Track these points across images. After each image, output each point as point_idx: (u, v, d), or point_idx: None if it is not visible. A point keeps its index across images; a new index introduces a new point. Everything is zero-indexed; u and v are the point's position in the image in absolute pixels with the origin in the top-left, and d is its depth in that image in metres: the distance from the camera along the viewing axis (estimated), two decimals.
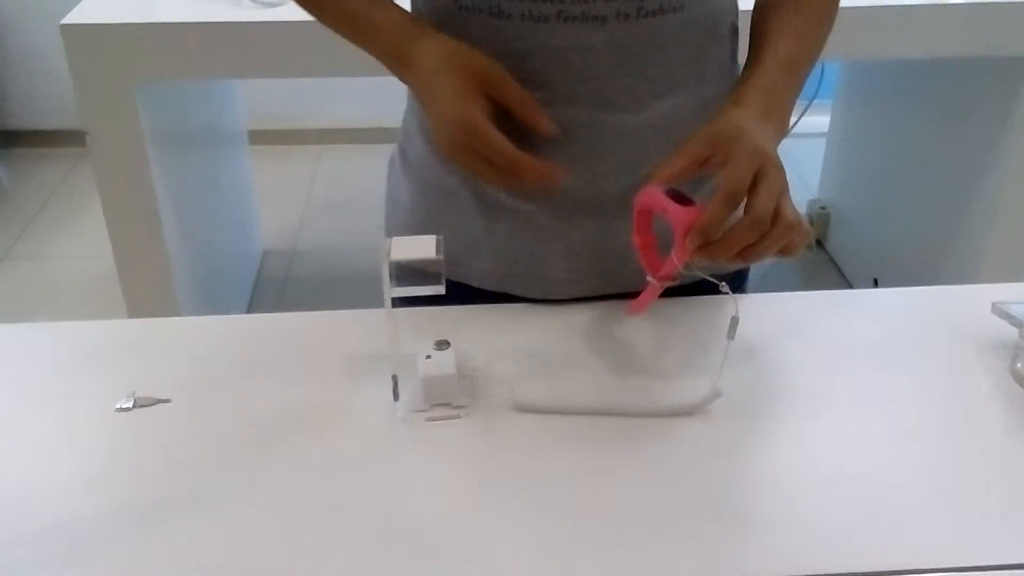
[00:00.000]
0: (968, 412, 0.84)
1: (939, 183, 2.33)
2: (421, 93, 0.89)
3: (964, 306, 0.97)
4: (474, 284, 1.01)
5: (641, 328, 0.94)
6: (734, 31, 0.98)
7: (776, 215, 0.77)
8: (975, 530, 0.71)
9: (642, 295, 0.86)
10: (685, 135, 0.83)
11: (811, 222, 3.00)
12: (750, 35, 0.93)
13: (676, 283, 0.83)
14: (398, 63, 0.89)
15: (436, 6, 0.90)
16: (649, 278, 0.85)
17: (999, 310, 0.91)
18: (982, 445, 0.80)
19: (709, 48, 0.94)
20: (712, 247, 0.78)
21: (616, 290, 0.97)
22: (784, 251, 0.80)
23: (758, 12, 0.94)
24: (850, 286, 2.74)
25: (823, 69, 3.01)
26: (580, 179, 0.92)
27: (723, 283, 0.82)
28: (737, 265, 0.81)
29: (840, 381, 0.87)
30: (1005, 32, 1.96)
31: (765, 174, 0.77)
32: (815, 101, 3.03)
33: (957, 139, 2.25)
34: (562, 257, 0.97)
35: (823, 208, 2.98)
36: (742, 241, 0.77)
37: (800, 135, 3.16)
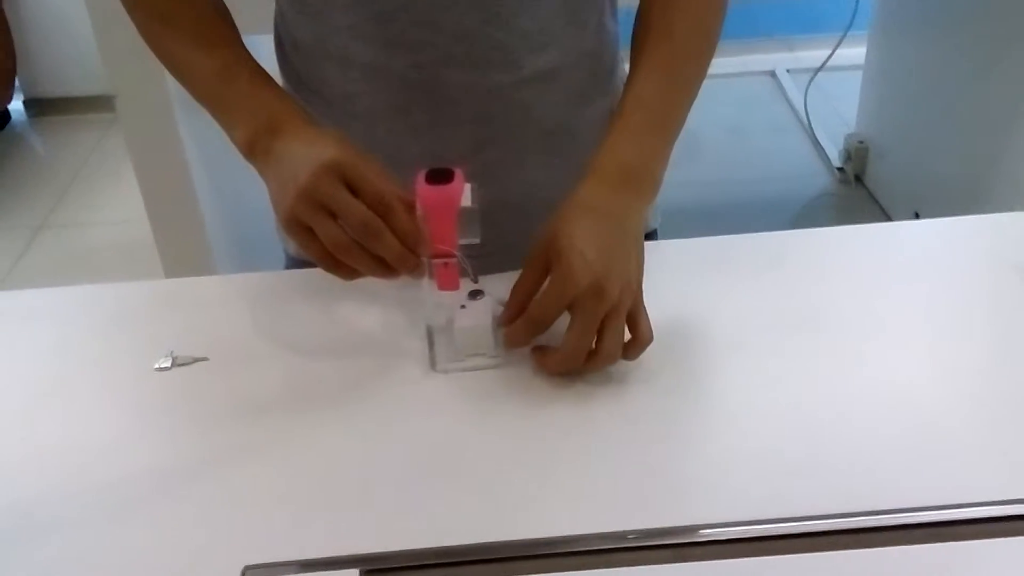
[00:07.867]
0: (1013, 339, 0.82)
1: (979, 112, 2.28)
2: (290, 150, 0.79)
3: (1006, 233, 0.95)
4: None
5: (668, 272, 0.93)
6: None
7: (597, 346, 0.75)
8: (1022, 461, 0.70)
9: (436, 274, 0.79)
10: (567, 91, 0.77)
11: (849, 157, 2.95)
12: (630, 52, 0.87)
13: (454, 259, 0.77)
14: (267, 130, 0.81)
15: None
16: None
17: None
18: None
19: None
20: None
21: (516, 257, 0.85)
22: (604, 360, 0.77)
23: (636, 24, 0.87)
24: (891, 221, 2.70)
25: (857, 1, 2.94)
26: (464, 144, 0.88)
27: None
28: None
29: (882, 313, 0.86)
30: None
31: (582, 304, 0.73)
32: (850, 33, 2.96)
33: (997, 65, 2.19)
34: None
35: (861, 142, 2.92)
36: (556, 370, 0.78)
37: (835, 68, 3.11)
